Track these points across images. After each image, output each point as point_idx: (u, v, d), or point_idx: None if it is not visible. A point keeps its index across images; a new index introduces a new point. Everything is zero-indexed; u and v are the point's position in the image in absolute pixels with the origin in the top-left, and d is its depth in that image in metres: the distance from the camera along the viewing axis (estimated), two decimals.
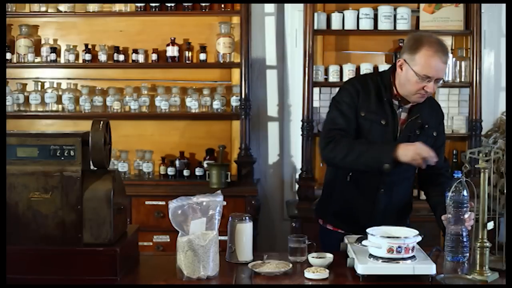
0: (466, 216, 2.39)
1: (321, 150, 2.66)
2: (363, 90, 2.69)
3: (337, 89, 2.82)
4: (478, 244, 2.23)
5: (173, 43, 4.37)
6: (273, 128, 4.56)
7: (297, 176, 4.34)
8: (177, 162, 4.39)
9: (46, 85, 4.50)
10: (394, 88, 2.68)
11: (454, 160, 4.27)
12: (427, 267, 2.18)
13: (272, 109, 4.55)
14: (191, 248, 2.18)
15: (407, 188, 2.82)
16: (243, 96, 4.26)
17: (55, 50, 4.40)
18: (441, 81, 2.61)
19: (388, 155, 2.48)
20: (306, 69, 4.14)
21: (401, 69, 2.63)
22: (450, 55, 4.37)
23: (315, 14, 4.19)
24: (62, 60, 4.46)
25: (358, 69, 4.26)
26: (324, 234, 2.82)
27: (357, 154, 2.55)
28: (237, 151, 4.33)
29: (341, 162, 2.58)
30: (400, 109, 2.70)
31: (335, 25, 4.27)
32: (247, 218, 2.44)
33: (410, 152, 2.47)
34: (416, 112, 2.69)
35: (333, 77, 4.27)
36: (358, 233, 2.49)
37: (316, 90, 4.25)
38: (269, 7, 4.51)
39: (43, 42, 4.50)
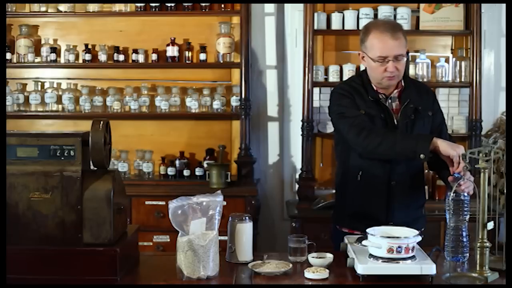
0: (462, 182, 2.37)
1: (354, 138, 2.66)
2: (354, 91, 2.76)
3: None
4: (478, 244, 2.23)
5: (173, 43, 4.37)
6: (273, 128, 4.56)
7: (297, 176, 4.34)
8: (177, 162, 4.39)
9: (46, 85, 4.50)
10: (374, 85, 2.76)
11: None
12: (427, 267, 2.18)
13: (272, 109, 4.55)
14: (191, 248, 2.18)
15: (418, 177, 2.82)
16: (243, 96, 4.26)
17: (55, 50, 4.40)
18: (404, 58, 2.66)
19: (425, 145, 2.49)
20: (306, 69, 4.14)
21: (364, 61, 2.73)
22: (450, 55, 4.39)
23: (315, 14, 4.19)
24: (62, 60, 4.46)
25: (358, 69, 4.26)
26: (338, 236, 2.77)
27: (391, 143, 2.56)
28: (237, 151, 4.33)
29: (374, 150, 2.60)
30: (390, 100, 2.75)
31: (335, 25, 4.27)
32: (247, 218, 2.44)
33: (454, 146, 2.49)
34: (406, 98, 2.74)
35: (333, 77, 4.27)
36: None
37: (316, 90, 4.25)
38: (269, 7, 4.51)
39: (43, 42, 4.50)
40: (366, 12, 4.22)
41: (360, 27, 4.22)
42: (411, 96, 2.75)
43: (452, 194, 2.32)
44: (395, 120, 2.71)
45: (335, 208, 2.96)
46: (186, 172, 4.37)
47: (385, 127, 2.70)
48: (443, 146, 2.48)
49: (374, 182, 2.71)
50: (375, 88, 2.75)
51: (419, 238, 2.24)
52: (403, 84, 2.78)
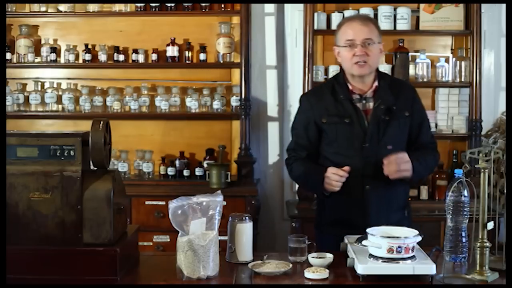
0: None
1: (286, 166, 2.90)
2: (317, 99, 2.77)
3: None
4: (478, 244, 2.23)
5: (173, 43, 4.37)
6: (273, 128, 4.56)
7: None
8: (177, 162, 4.39)
9: (46, 85, 4.50)
10: (350, 84, 2.74)
11: (454, 160, 4.27)
12: (427, 267, 2.18)
13: (272, 109, 4.55)
14: (191, 248, 2.18)
15: (395, 179, 2.72)
16: (243, 96, 4.26)
17: (55, 50, 4.40)
18: (374, 45, 2.66)
19: (319, 187, 2.66)
20: (306, 69, 4.14)
21: (339, 57, 2.75)
22: (450, 55, 4.39)
23: (315, 14, 4.19)
24: (62, 60, 4.46)
25: None
26: (321, 238, 2.79)
27: (302, 182, 2.85)
28: (237, 151, 4.33)
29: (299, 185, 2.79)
30: (364, 101, 2.73)
31: (335, 25, 4.24)
32: (247, 218, 2.44)
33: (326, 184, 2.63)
34: (378, 99, 2.71)
35: None
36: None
37: None
38: (269, 7, 4.51)
39: (43, 42, 4.50)
40: (366, 12, 4.21)
41: None
42: (384, 96, 2.71)
43: (451, 194, 2.32)
44: (366, 122, 2.69)
45: (316, 213, 2.95)
46: (186, 172, 4.37)
47: (349, 132, 2.69)
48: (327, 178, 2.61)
49: (349, 188, 2.65)
50: (350, 87, 2.74)
51: (419, 238, 2.24)
52: (377, 83, 2.74)
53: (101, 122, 2.27)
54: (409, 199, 2.92)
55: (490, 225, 2.26)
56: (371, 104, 2.72)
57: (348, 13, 4.23)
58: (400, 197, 2.80)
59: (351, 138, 2.69)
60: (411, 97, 2.78)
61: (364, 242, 2.31)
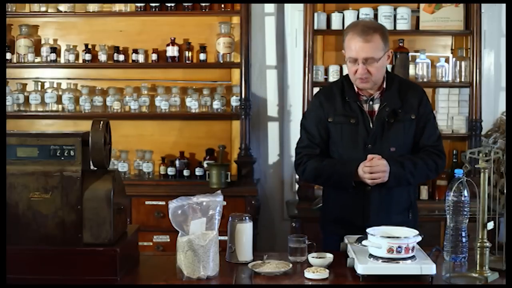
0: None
1: (296, 172, 2.88)
2: (327, 98, 2.78)
3: None
4: (478, 244, 2.23)
5: (173, 43, 4.37)
6: (273, 128, 4.56)
7: (297, 176, 4.33)
8: (177, 162, 4.39)
9: (46, 85, 4.50)
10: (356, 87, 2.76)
11: (454, 160, 4.27)
12: (427, 267, 2.18)
13: (272, 109, 4.55)
14: (191, 248, 2.18)
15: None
16: (243, 96, 4.26)
17: (55, 50, 4.40)
18: (377, 62, 2.64)
19: (349, 179, 2.61)
20: (306, 69, 4.14)
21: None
22: (450, 55, 4.39)
23: (315, 14, 4.19)
24: (62, 60, 4.46)
25: None
26: (325, 238, 2.82)
27: (324, 178, 2.72)
28: (237, 151, 4.33)
29: (314, 183, 2.70)
30: (371, 102, 2.74)
31: (335, 25, 4.26)
32: (247, 218, 2.44)
33: (361, 173, 2.59)
34: (384, 101, 2.71)
35: (333, 77, 4.26)
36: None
37: (316, 90, 4.22)
38: (269, 7, 4.51)
39: (43, 42, 4.50)
40: (366, 12, 4.22)
41: None
42: (390, 98, 2.71)
43: (451, 194, 2.32)
44: (370, 124, 2.70)
45: (321, 212, 2.96)
46: (186, 172, 4.37)
47: (354, 133, 2.69)
48: (360, 174, 2.59)
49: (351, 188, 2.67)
50: (356, 89, 2.75)
51: (419, 238, 2.24)
52: (384, 85, 2.74)
53: (101, 122, 2.27)
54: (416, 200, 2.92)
55: (490, 225, 2.26)
56: (377, 106, 2.73)
57: (348, 13, 4.24)
58: (403, 199, 2.77)
59: (355, 138, 2.70)
60: (419, 100, 2.76)
61: (364, 242, 2.31)
